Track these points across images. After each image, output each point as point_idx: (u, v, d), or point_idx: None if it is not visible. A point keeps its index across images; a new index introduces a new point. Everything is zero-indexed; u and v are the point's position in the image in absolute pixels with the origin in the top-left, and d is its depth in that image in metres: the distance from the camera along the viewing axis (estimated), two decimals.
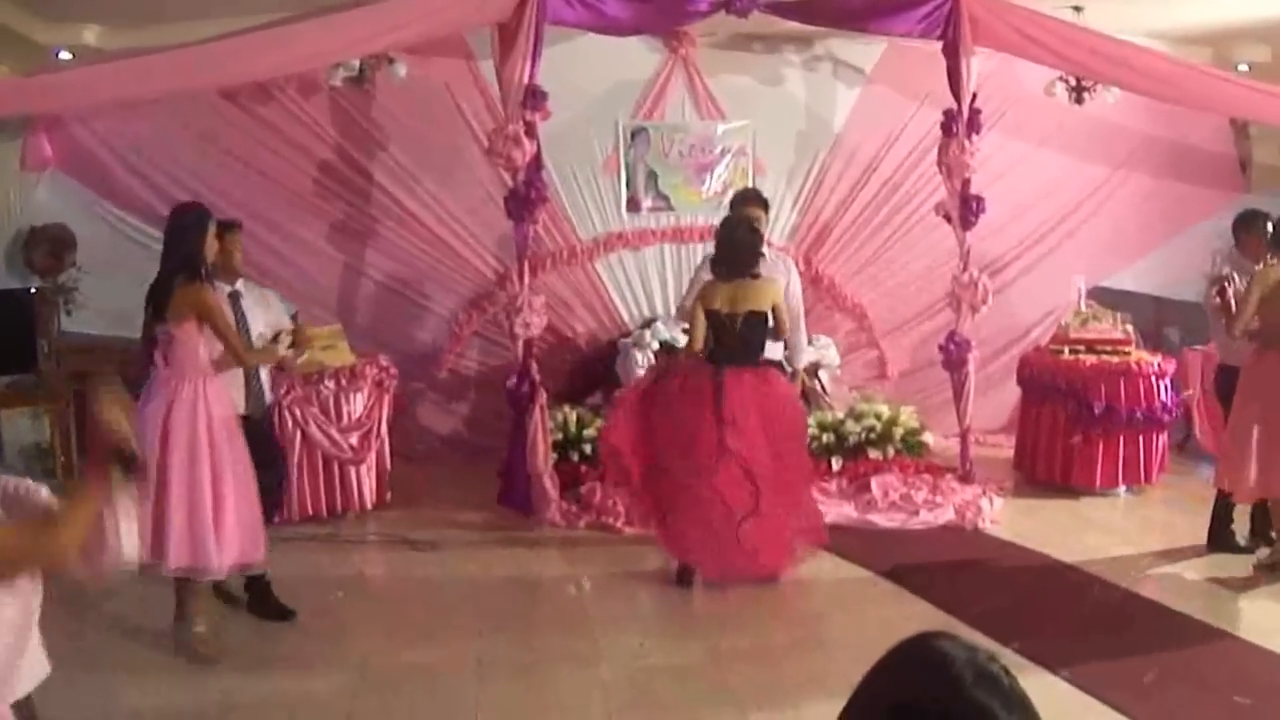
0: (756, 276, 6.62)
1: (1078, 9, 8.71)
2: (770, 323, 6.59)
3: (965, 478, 8.51)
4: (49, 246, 8.76)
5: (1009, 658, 5.47)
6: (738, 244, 6.60)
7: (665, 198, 9.67)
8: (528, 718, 5.11)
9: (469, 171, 9.13)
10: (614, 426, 6.87)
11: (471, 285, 9.32)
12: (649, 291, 9.73)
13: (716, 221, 9.25)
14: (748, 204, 7.29)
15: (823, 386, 9.23)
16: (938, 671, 1.58)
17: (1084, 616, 6.19)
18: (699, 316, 6.56)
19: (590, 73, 9.15)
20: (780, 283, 6.95)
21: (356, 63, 8.57)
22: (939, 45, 8.39)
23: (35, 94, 8.32)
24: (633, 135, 9.57)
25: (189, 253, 5.64)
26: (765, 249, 7.08)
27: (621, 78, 9.46)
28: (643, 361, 8.78)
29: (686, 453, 6.46)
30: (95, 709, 4.96)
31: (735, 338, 6.50)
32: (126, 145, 8.92)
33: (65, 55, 8.66)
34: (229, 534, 5.53)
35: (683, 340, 8.98)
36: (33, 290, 8.64)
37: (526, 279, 7.98)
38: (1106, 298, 9.56)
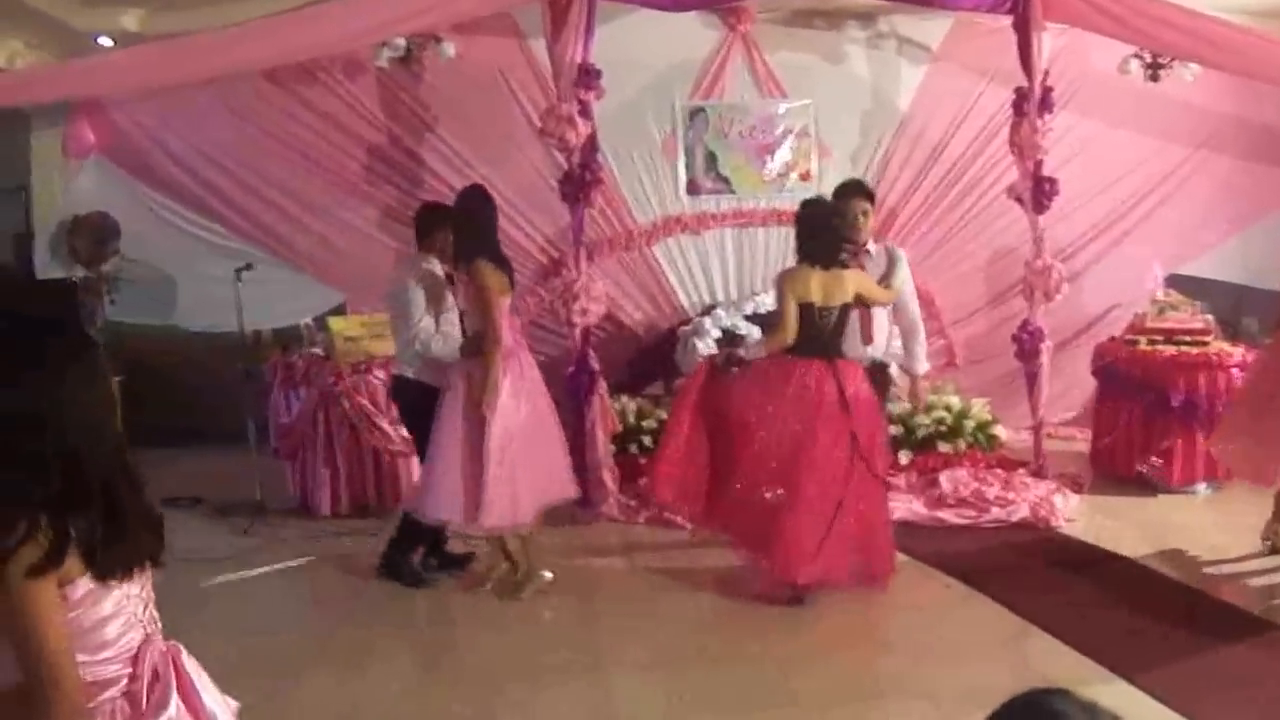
0: (845, 266, 6.20)
1: None
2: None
3: (1039, 473, 8.24)
4: (92, 235, 8.61)
5: (1090, 668, 5.28)
6: (818, 229, 6.15)
7: (726, 180, 9.39)
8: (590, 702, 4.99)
9: (521, 154, 8.89)
10: (664, 473, 6.33)
11: (526, 271, 9.06)
12: (709, 278, 9.44)
13: (779, 204, 9.26)
14: (852, 196, 6.69)
15: (892, 378, 8.94)
16: None
17: (1168, 623, 5.79)
18: (791, 307, 6.05)
19: (646, 51, 8.88)
20: (868, 275, 6.48)
21: (403, 42, 8.35)
22: (1008, 20, 8.11)
23: (75, 79, 8.29)
24: (691, 115, 9.29)
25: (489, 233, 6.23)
26: (871, 243, 6.70)
27: (678, 56, 9.19)
28: (704, 350, 8.50)
29: (803, 457, 6.00)
30: None
31: (830, 332, 6.15)
32: (169, 131, 8.76)
33: (105, 41, 8.49)
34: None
35: (745, 328, 8.80)
36: (77, 279, 8.54)
37: (584, 264, 7.75)
38: (1184, 285, 9.21)
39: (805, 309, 6.04)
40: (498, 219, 6.39)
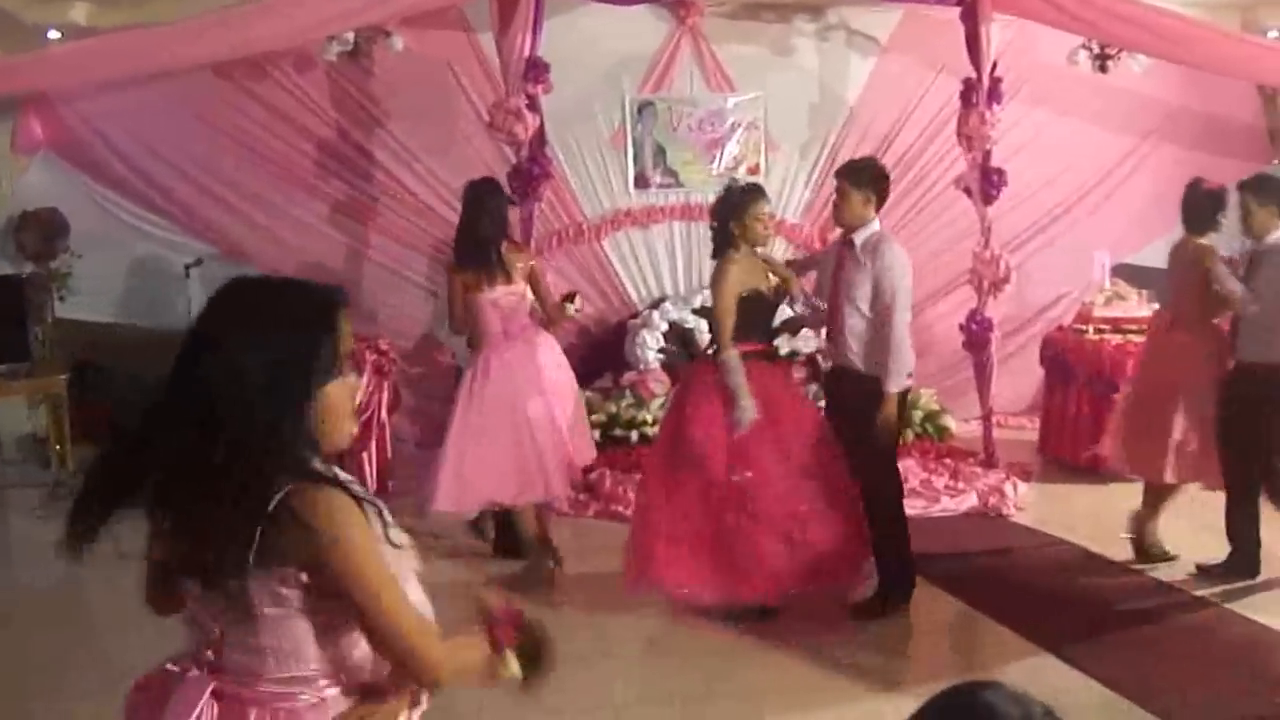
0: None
1: None
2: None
3: (988, 462, 8.29)
4: (41, 231, 8.54)
5: (1036, 654, 5.34)
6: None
7: (674, 174, 9.37)
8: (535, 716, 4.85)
9: (470, 148, 8.83)
10: (661, 558, 5.66)
11: None
12: (658, 271, 9.44)
13: None
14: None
15: None
16: None
17: (1115, 610, 5.92)
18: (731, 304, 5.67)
19: (595, 44, 8.86)
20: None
21: (351, 36, 8.31)
22: (956, 11, 8.12)
23: (23, 73, 8.17)
24: (640, 109, 9.27)
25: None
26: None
27: (627, 49, 9.16)
28: (651, 343, 8.52)
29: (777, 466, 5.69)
30: None
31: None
32: (118, 126, 8.68)
33: (53, 34, 8.41)
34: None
35: (694, 322, 8.81)
36: (24, 276, 8.47)
37: None
38: (1134, 274, 9.27)
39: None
40: (480, 213, 6.35)
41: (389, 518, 2.29)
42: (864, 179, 5.78)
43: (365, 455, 7.84)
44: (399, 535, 2.29)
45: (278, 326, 2.24)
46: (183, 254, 8.24)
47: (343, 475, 2.24)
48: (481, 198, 6.34)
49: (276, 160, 8.90)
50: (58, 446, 8.37)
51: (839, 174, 5.91)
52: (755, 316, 5.77)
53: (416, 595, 2.34)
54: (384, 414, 7.97)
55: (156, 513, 2.26)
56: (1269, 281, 6.02)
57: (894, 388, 5.57)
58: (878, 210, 5.80)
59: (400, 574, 2.28)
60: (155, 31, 7.78)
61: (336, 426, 2.31)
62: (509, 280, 6.28)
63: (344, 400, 2.34)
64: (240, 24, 7.72)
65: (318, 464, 2.22)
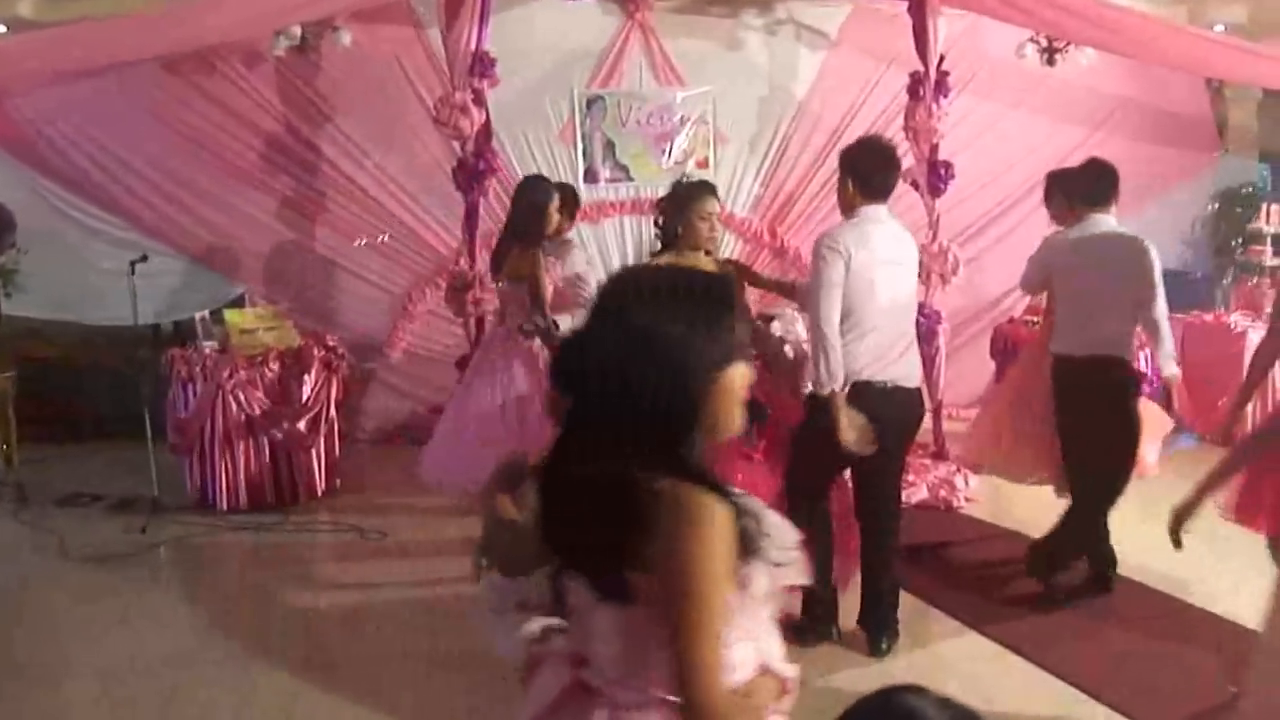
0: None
1: None
2: None
3: (939, 455, 8.30)
4: None
5: (987, 646, 5.36)
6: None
7: (624, 168, 9.39)
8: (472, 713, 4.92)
9: (420, 143, 8.83)
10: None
11: (424, 261, 9.04)
12: (608, 265, 9.35)
13: None
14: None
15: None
16: None
17: (1068, 602, 5.92)
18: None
19: (545, 39, 8.90)
20: None
21: (298, 31, 8.28)
22: (905, 5, 8.16)
23: None
24: (589, 104, 9.26)
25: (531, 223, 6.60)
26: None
27: (577, 44, 9.17)
28: None
29: None
30: None
31: None
32: (65, 122, 8.64)
33: None
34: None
35: None
36: None
37: (477, 254, 7.72)
38: None
39: None
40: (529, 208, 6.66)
41: (771, 528, 2.18)
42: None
43: (314, 451, 7.81)
44: (782, 553, 2.20)
45: (693, 308, 2.17)
46: (130, 250, 8.15)
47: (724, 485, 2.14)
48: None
49: (225, 155, 8.86)
50: (3, 445, 8.29)
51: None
52: None
53: (770, 642, 2.28)
54: (333, 410, 7.93)
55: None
56: (1059, 271, 6.02)
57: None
58: None
59: (750, 609, 2.18)
60: (102, 25, 7.74)
61: (730, 414, 2.23)
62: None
63: (740, 387, 2.25)
64: (188, 17, 7.68)
65: (697, 462, 2.12)
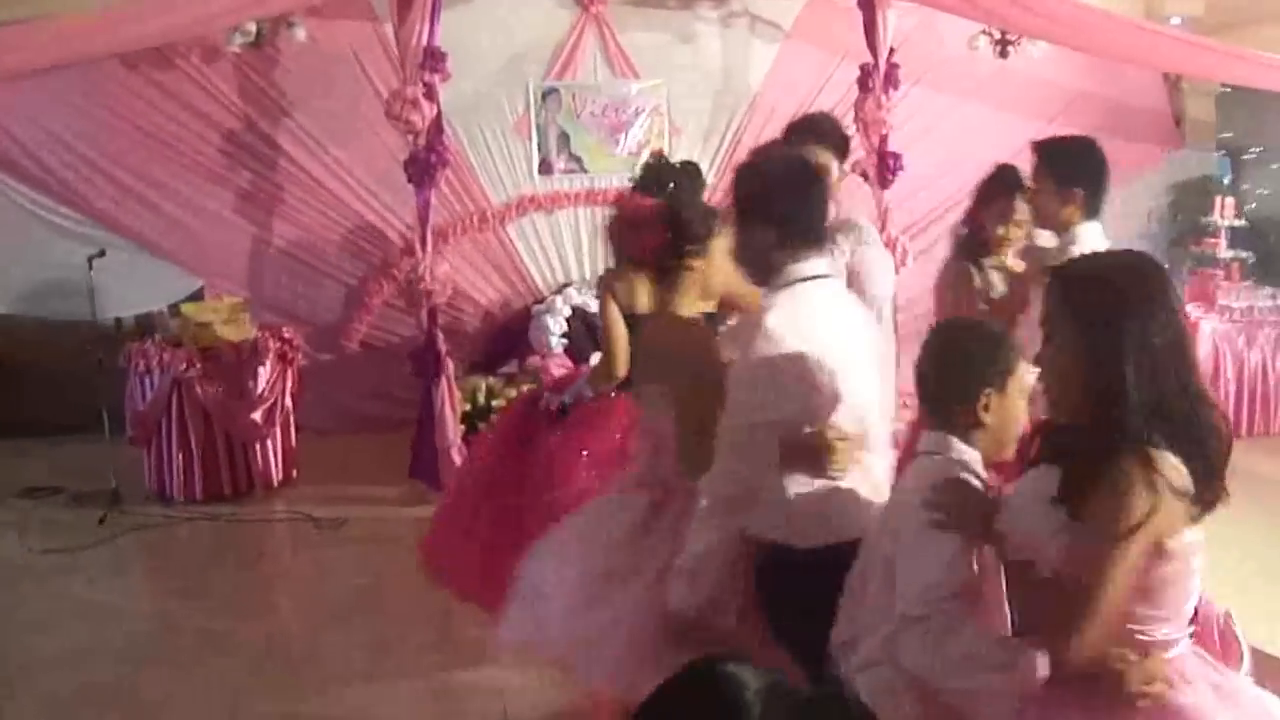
0: None
1: None
2: None
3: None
4: None
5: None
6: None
7: (578, 159, 9.44)
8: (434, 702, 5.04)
9: (376, 137, 8.84)
10: None
11: (381, 253, 9.11)
12: (563, 256, 9.52)
13: (631, 183, 9.26)
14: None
15: None
16: (726, 702, 1.47)
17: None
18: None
19: (500, 32, 8.98)
20: None
21: (253, 26, 8.33)
22: None
23: None
24: (544, 96, 9.33)
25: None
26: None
27: (532, 37, 9.22)
28: (555, 328, 8.60)
29: None
30: None
31: None
32: (24, 117, 8.63)
33: None
34: None
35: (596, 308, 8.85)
36: None
37: (429, 245, 7.80)
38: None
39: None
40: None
41: None
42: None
43: (270, 441, 7.90)
44: None
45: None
46: (87, 245, 8.21)
47: None
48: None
49: (184, 150, 8.87)
50: None
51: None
52: None
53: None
54: (288, 401, 8.01)
55: None
56: None
57: None
58: None
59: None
60: (61, 23, 7.74)
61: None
62: None
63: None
64: (143, 15, 7.70)
65: None
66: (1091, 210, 4.69)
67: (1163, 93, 10.45)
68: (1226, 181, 10.41)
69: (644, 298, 4.32)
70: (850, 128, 8.54)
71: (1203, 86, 10.45)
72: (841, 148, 5.15)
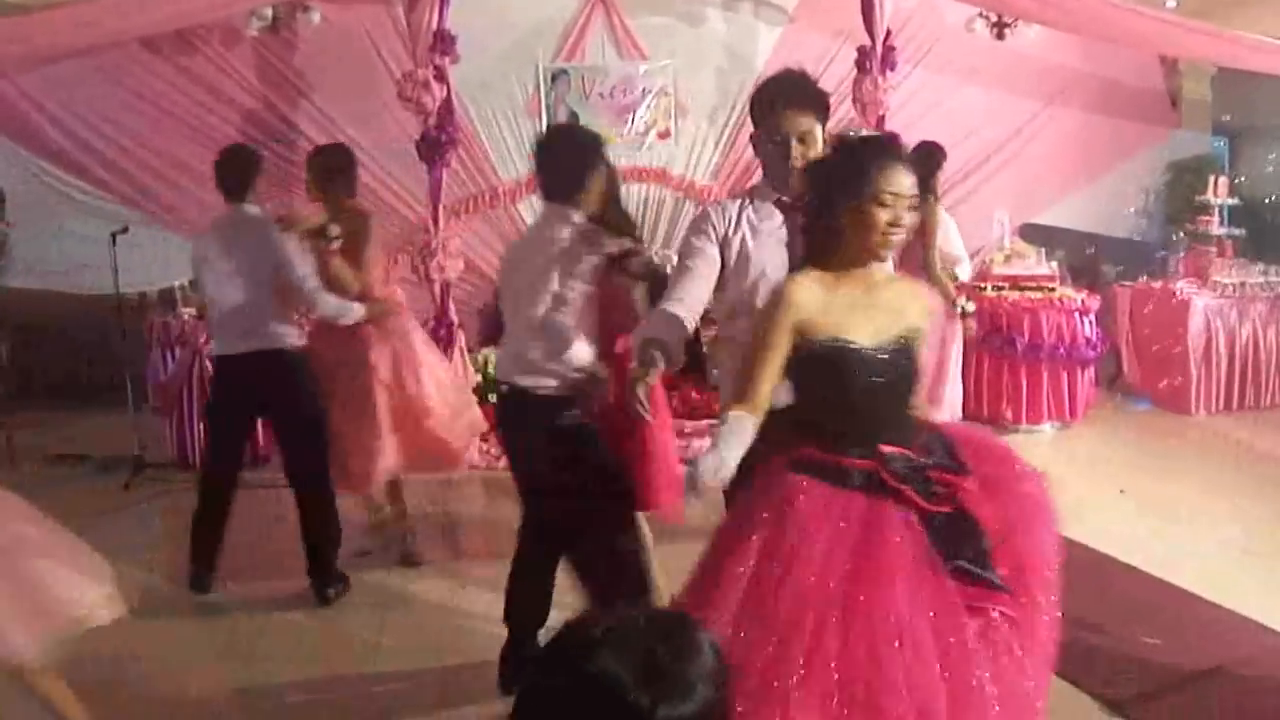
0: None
1: None
2: None
3: None
4: None
5: None
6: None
7: None
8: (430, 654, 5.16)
9: (391, 117, 9.08)
10: None
11: (397, 231, 9.32)
12: None
13: (639, 162, 9.58)
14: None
15: None
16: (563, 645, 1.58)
17: None
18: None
19: (511, 14, 9.22)
20: None
21: (270, 10, 8.58)
22: None
23: None
24: (553, 77, 9.55)
25: None
26: None
27: (541, 19, 9.45)
28: None
29: None
30: None
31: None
32: (51, 98, 8.92)
33: None
34: None
35: None
36: None
37: (441, 222, 8.03)
38: (1039, 234, 9.61)
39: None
40: None
41: None
42: None
43: None
44: None
45: None
46: (111, 221, 8.45)
47: None
48: None
49: (205, 132, 9.08)
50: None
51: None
52: None
53: None
54: None
55: None
56: None
57: None
58: None
59: None
60: (88, 7, 7.96)
61: None
62: None
63: None
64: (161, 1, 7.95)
65: None
66: None
67: (1159, 73, 10.61)
68: (1222, 160, 10.60)
69: None
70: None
71: (1199, 66, 10.61)
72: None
